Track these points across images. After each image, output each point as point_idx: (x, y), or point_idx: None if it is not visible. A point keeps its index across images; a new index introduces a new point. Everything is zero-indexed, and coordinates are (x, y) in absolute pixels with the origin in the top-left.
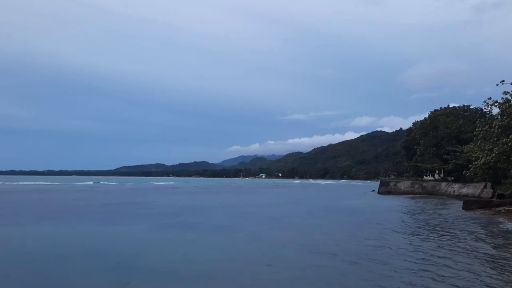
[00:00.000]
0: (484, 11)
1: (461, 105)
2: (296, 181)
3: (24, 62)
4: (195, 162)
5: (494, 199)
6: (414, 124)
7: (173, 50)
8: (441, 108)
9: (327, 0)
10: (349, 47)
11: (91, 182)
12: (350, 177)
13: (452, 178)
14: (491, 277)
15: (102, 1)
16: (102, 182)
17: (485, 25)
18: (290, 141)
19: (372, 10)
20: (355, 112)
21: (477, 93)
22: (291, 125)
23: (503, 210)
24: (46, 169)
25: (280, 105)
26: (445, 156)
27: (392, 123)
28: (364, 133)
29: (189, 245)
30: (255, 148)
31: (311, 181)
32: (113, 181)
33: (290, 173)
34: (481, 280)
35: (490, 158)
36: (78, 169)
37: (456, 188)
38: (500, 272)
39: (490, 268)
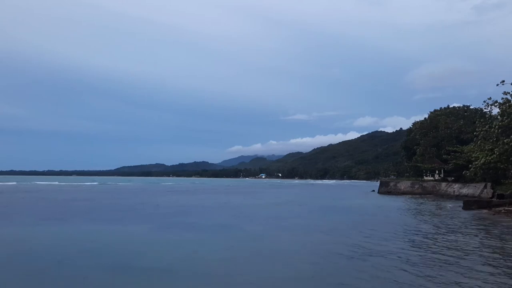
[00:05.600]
0: (485, 12)
1: (461, 105)
2: (296, 181)
3: (24, 62)
4: (195, 162)
5: (494, 199)
6: (414, 124)
7: (173, 50)
8: (441, 108)
9: (329, 1)
10: (350, 47)
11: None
12: (350, 177)
13: (452, 178)
14: (491, 278)
15: (102, 1)
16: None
17: (487, 25)
18: (293, 141)
19: (373, 10)
20: (357, 112)
21: (480, 93)
22: (294, 125)
23: (503, 210)
24: (46, 169)
25: (282, 105)
26: (445, 156)
27: (395, 124)
28: (365, 133)
29: (189, 245)
30: (257, 148)
31: (312, 181)
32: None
33: (290, 173)
34: (481, 281)
35: (490, 158)
36: (78, 169)
37: (456, 188)
38: (500, 272)
39: (490, 268)
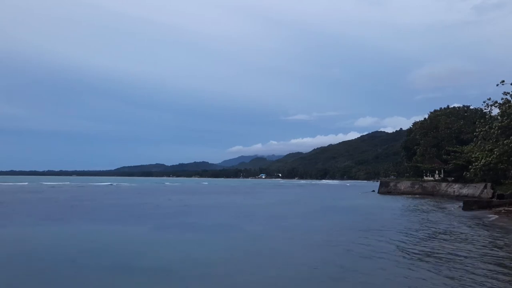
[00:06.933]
0: (485, 12)
1: (461, 105)
2: (302, 181)
3: (24, 62)
4: (195, 162)
5: (494, 199)
6: (414, 124)
7: (173, 50)
8: (441, 108)
9: (330, 1)
10: (350, 47)
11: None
12: (350, 178)
13: (452, 178)
14: (491, 278)
15: (102, 1)
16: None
17: (487, 25)
18: (293, 141)
19: (373, 10)
20: (358, 113)
21: (480, 93)
22: (294, 125)
23: (503, 211)
24: (46, 169)
25: (282, 105)
26: (445, 157)
27: (395, 124)
28: (366, 133)
29: (189, 245)
30: (257, 148)
31: (314, 181)
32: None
33: (290, 174)
34: (482, 282)
35: (490, 159)
36: (78, 169)
37: (456, 188)
38: (501, 273)
39: (490, 269)
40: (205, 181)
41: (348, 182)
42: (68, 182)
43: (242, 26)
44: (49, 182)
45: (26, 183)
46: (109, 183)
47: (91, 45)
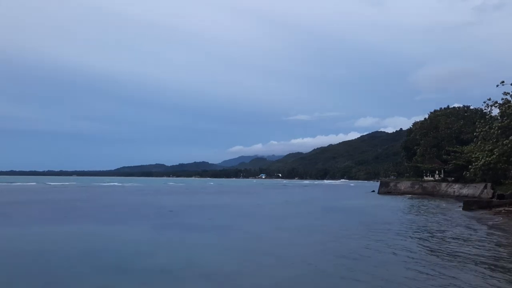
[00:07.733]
0: (485, 13)
1: (461, 105)
2: (299, 181)
3: (24, 62)
4: (194, 162)
5: (494, 199)
6: (414, 124)
7: (174, 50)
8: (441, 108)
9: (330, 2)
10: (352, 48)
11: None
12: (350, 178)
13: (452, 178)
14: (492, 279)
15: (102, 2)
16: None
17: (487, 26)
18: (294, 141)
19: (375, 11)
20: (359, 113)
21: (482, 94)
22: (295, 125)
23: (503, 211)
24: (46, 169)
25: (283, 105)
26: (445, 157)
27: (396, 124)
28: (366, 133)
29: (189, 246)
30: (257, 148)
31: (315, 181)
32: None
33: (290, 174)
34: (484, 281)
35: (490, 159)
36: (78, 169)
37: (456, 188)
38: (504, 271)
39: (491, 270)
40: (211, 181)
41: (352, 182)
42: (74, 183)
43: (243, 27)
44: (54, 182)
45: (34, 183)
46: (113, 183)
47: (91, 45)
